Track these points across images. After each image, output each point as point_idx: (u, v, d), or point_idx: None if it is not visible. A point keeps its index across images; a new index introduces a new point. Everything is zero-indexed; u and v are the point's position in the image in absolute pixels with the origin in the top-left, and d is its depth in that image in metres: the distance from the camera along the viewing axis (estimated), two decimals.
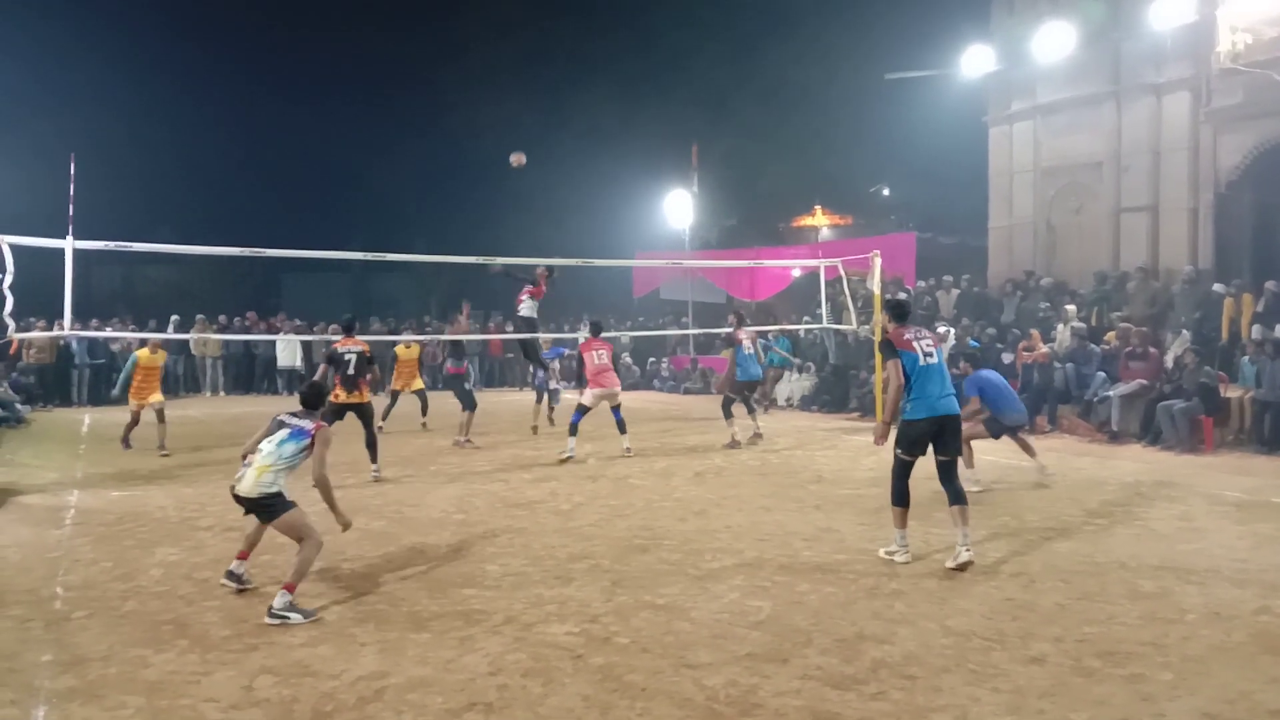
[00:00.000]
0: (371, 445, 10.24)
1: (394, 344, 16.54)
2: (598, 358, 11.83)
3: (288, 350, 21.60)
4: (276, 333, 22.06)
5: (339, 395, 10.11)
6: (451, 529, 7.85)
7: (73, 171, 10.76)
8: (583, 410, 11.62)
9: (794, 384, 18.77)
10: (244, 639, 5.18)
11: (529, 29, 36.12)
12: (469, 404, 12.87)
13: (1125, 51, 17.24)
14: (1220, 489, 9.31)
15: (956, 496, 6.50)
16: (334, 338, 13.70)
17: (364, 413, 10.34)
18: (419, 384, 15.26)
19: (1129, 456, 11.64)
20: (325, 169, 40.40)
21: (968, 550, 6.35)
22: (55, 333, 15.68)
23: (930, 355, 6.52)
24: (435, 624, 5.40)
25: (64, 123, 27.78)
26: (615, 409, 11.93)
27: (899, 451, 6.54)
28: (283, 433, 5.96)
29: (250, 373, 22.39)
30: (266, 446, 5.91)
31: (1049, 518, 7.99)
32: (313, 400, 6.32)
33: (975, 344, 15.64)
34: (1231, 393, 12.30)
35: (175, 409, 14.66)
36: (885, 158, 30.50)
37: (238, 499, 5.89)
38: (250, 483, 5.79)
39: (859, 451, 12.14)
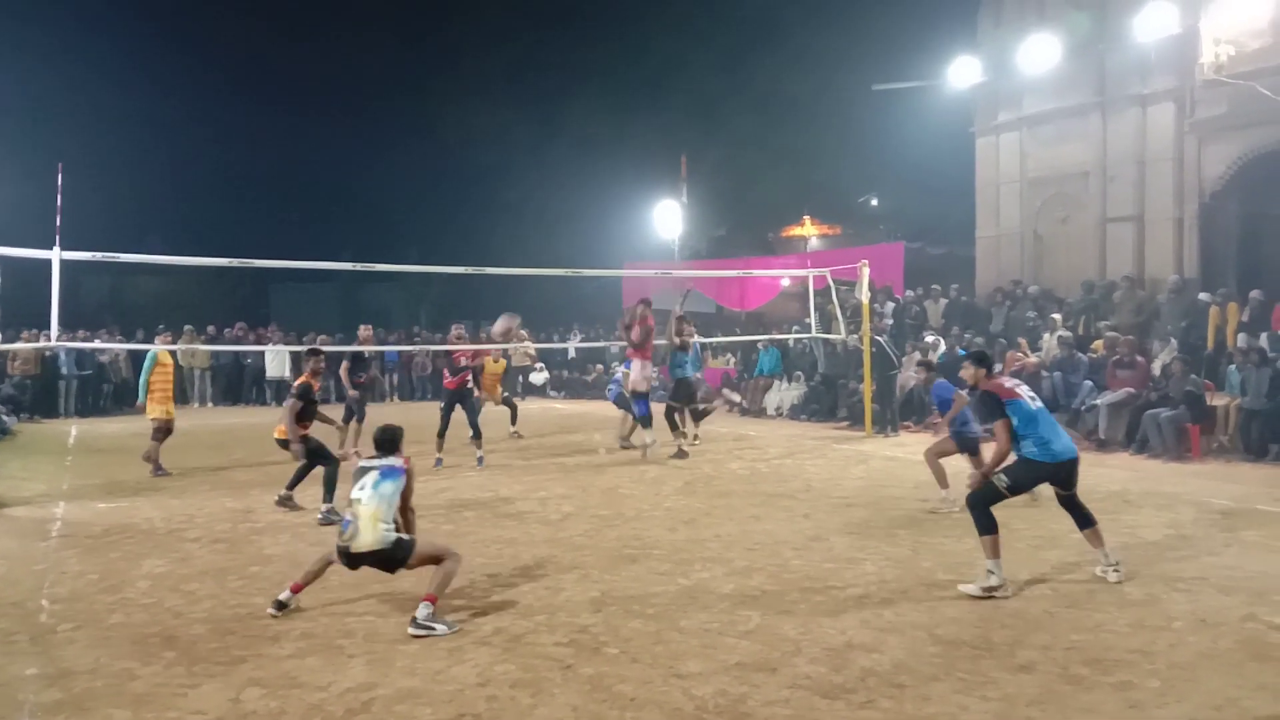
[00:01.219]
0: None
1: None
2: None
3: (277, 361, 21.57)
4: (266, 343, 22.01)
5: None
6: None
7: (60, 182, 10.73)
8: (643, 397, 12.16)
9: (783, 393, 18.79)
10: (231, 651, 5.16)
11: (520, 39, 36.26)
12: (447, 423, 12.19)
13: (1110, 63, 17.38)
14: (1207, 497, 9.35)
15: (1085, 520, 6.34)
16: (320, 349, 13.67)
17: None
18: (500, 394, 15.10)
19: (1116, 464, 11.69)
20: (315, 179, 40.39)
21: (1116, 570, 6.21)
22: (42, 344, 15.61)
23: (1035, 399, 6.31)
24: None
25: (51, 132, 27.77)
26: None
27: (1005, 485, 6.14)
28: (372, 476, 5.73)
29: (239, 383, 22.33)
30: (362, 495, 5.64)
31: (1036, 526, 8.01)
32: (388, 444, 6.03)
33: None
34: (1218, 401, 12.38)
35: None
36: (874, 168, 30.64)
37: (355, 557, 5.61)
38: (370, 536, 5.55)
39: (848, 461, 12.17)
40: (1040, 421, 6.18)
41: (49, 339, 11.50)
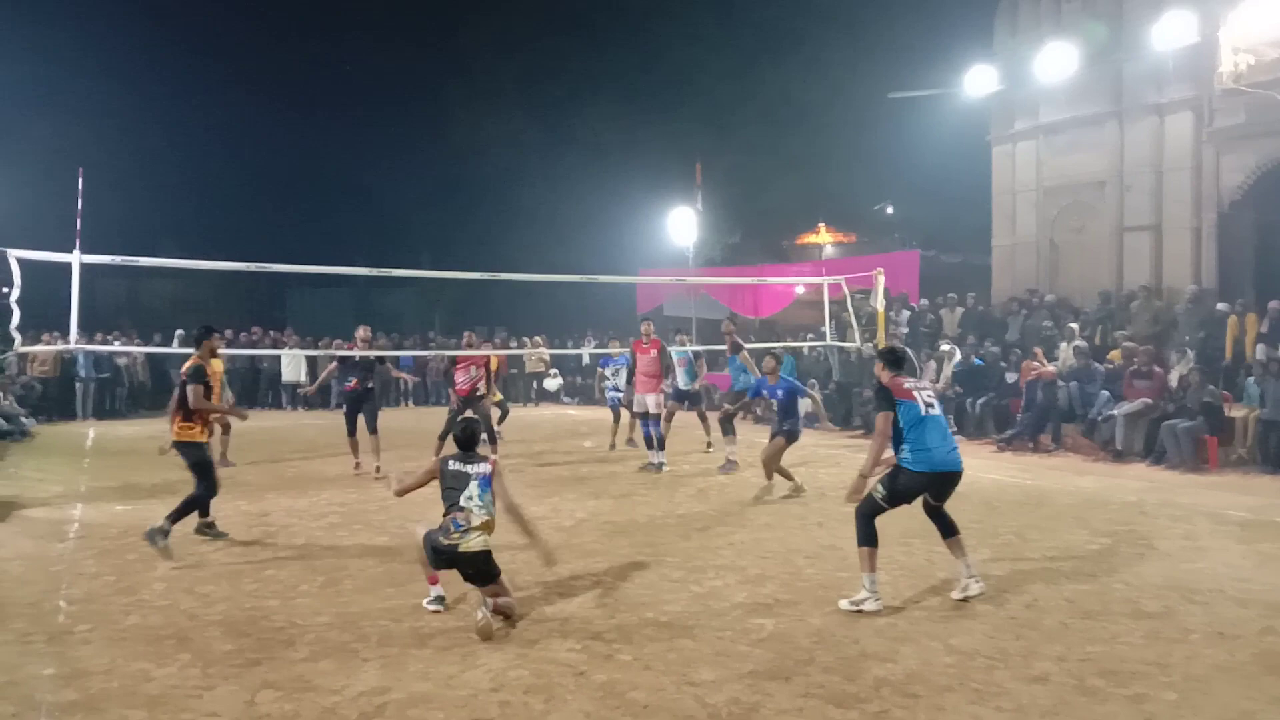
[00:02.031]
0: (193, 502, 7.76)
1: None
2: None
3: (292, 365, 21.68)
4: (282, 347, 22.13)
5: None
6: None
7: (80, 185, 10.82)
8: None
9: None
10: (245, 654, 5.18)
11: (533, 46, 36.25)
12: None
13: (1127, 72, 17.33)
14: (1224, 508, 9.29)
15: (948, 530, 6.25)
16: (339, 352, 13.65)
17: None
18: (497, 395, 15.13)
19: (1133, 475, 11.62)
20: (330, 184, 40.53)
21: (976, 582, 6.12)
22: (61, 346, 15.73)
23: (932, 406, 6.14)
24: (437, 639, 5.40)
25: (71, 137, 27.90)
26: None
27: (882, 496, 6.04)
28: (475, 485, 5.83)
29: (255, 387, 22.43)
30: (471, 504, 5.77)
31: (1052, 536, 7.97)
32: (468, 442, 6.12)
33: (980, 362, 15.65)
34: (1235, 412, 12.29)
35: None
36: (889, 176, 30.56)
37: (462, 558, 5.66)
38: (482, 541, 5.70)
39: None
40: (928, 429, 6.01)
41: (68, 341, 11.59)
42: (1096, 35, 17.29)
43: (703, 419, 13.84)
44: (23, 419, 15.87)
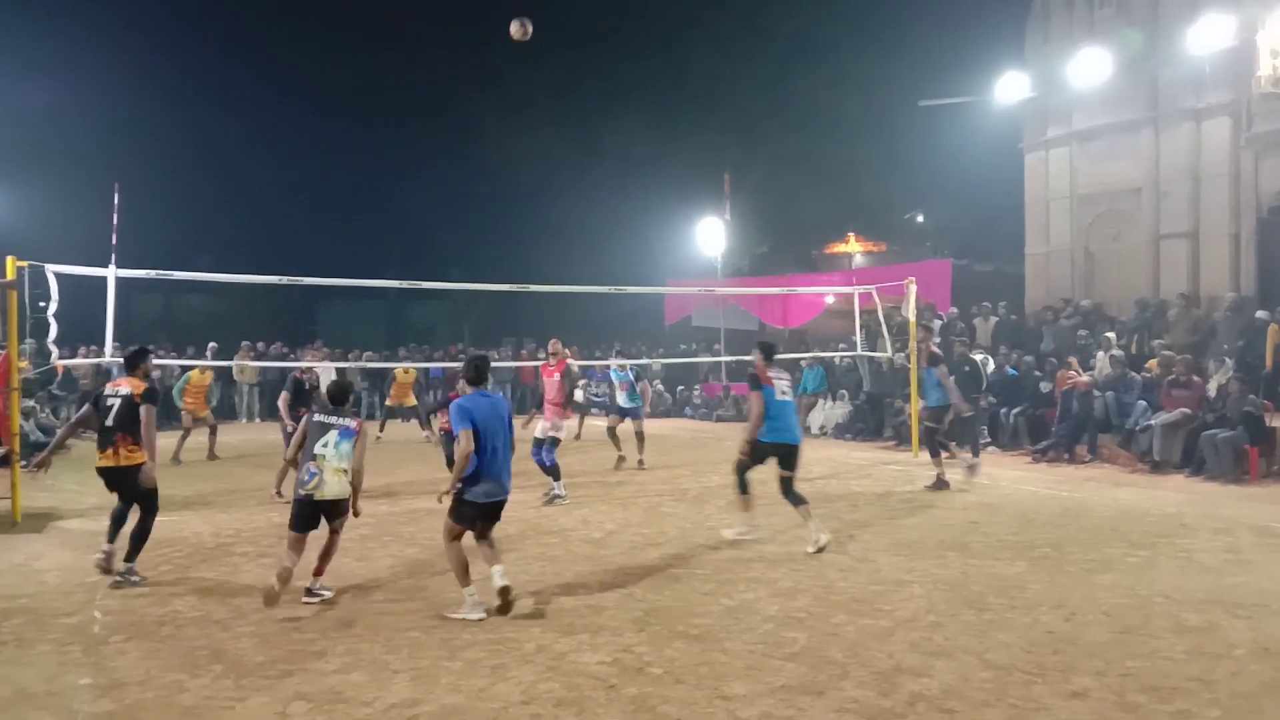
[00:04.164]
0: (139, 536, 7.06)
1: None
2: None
3: (323, 377, 21.82)
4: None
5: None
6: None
7: (116, 201, 10.99)
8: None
9: (827, 412, 18.62)
10: (278, 665, 5.19)
11: (562, 58, 36.46)
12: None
13: (1163, 77, 17.11)
14: (1267, 520, 9.08)
15: (797, 500, 7.97)
16: (366, 364, 13.78)
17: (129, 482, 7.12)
18: (411, 401, 17.35)
19: (1171, 487, 11.41)
20: (362, 198, 40.99)
21: (825, 534, 7.83)
22: (97, 360, 15.91)
23: (786, 394, 8.22)
24: (468, 652, 5.38)
25: (108, 152, 28.42)
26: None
27: (746, 458, 8.15)
28: (333, 435, 6.42)
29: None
30: (326, 451, 6.36)
31: (1089, 549, 7.84)
32: (340, 397, 6.73)
33: (1014, 372, 15.47)
34: (1277, 421, 12.05)
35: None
36: (920, 184, 30.41)
37: (317, 505, 6.32)
38: (335, 486, 6.35)
39: (894, 481, 12.01)
40: (779, 412, 8.11)
41: (104, 355, 11.73)
42: (1131, 41, 17.10)
43: (639, 437, 13.44)
44: (59, 431, 16.08)
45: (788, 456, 8.06)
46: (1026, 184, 19.77)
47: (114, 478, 7.11)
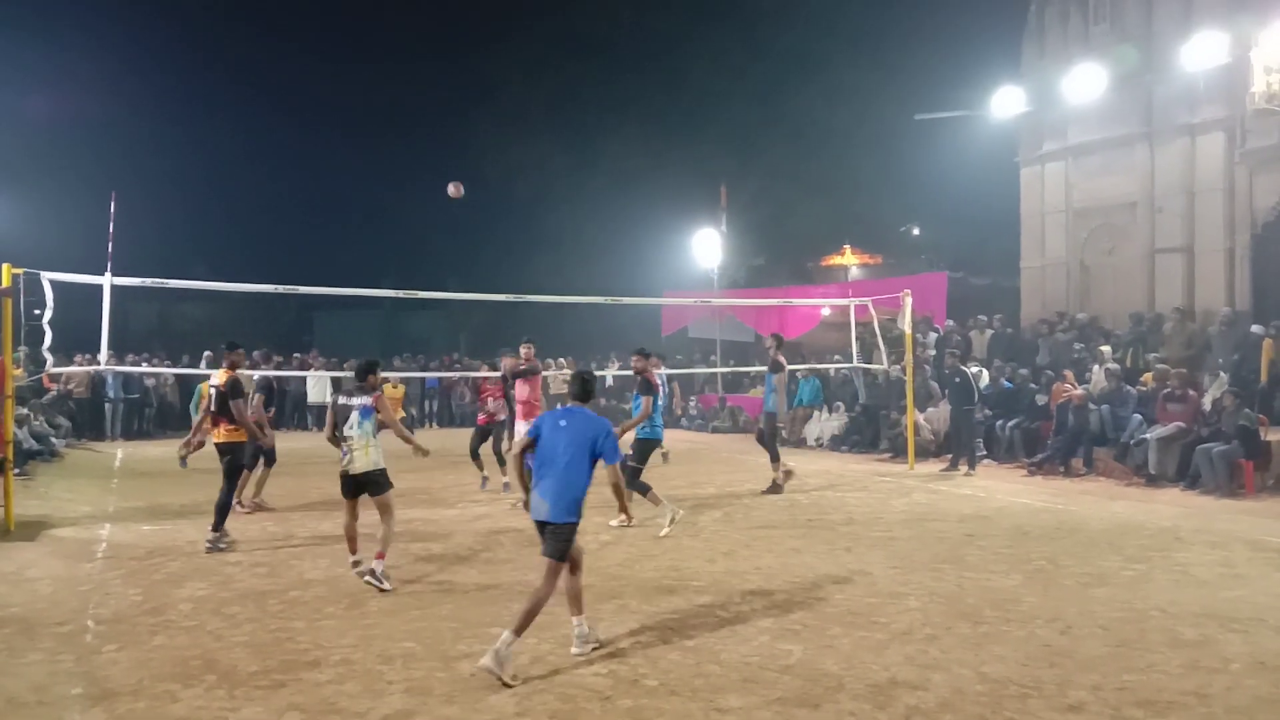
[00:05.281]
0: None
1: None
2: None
3: (318, 386, 21.81)
4: (308, 369, 22.30)
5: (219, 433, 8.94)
6: (479, 567, 7.83)
7: (113, 209, 10.97)
8: None
9: (823, 424, 18.62)
10: (271, 675, 5.17)
11: (559, 71, 36.56)
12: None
13: (1158, 93, 17.21)
14: (1262, 534, 9.09)
15: (644, 488, 9.55)
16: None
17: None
18: (401, 414, 16.71)
19: (1166, 500, 11.42)
20: (358, 207, 41.03)
21: (679, 510, 9.48)
22: (91, 367, 15.91)
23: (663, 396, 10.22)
24: (463, 663, 5.36)
25: (104, 161, 28.42)
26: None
27: (634, 461, 9.68)
28: (355, 415, 7.04)
29: (280, 408, 22.57)
30: (352, 432, 7.02)
31: (1085, 562, 7.83)
32: (363, 373, 7.31)
33: (1009, 385, 15.49)
34: (1272, 436, 12.06)
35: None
36: (915, 197, 30.44)
37: (353, 478, 7.03)
38: (363, 461, 7.00)
39: (890, 493, 12.01)
40: (660, 411, 10.17)
41: (98, 363, 11.71)
42: (1126, 57, 17.20)
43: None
44: (52, 439, 16.03)
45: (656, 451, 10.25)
46: (1022, 198, 19.83)
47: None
